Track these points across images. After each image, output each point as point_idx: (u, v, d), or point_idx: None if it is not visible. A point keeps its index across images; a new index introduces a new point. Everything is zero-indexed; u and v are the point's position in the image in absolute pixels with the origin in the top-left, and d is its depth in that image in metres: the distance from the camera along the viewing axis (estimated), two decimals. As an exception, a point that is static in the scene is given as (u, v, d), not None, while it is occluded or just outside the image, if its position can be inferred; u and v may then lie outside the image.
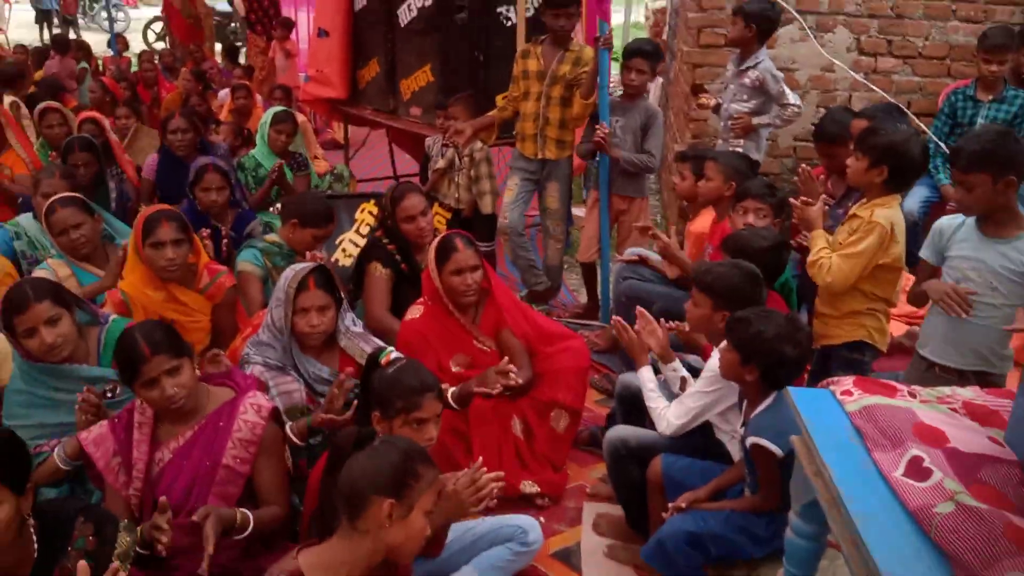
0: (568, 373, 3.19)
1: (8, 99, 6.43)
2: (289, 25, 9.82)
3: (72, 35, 15.45)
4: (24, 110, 6.16)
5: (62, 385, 2.64)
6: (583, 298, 4.91)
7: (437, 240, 3.12)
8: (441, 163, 4.80)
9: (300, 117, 7.49)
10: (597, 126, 4.12)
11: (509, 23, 5.20)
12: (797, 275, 3.41)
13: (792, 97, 4.08)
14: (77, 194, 3.50)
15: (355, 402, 2.55)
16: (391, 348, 2.40)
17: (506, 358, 2.90)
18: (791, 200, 2.98)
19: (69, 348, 2.61)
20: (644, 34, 14.48)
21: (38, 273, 3.38)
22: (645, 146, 4.21)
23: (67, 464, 2.53)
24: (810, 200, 2.92)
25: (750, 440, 2.35)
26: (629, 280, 3.89)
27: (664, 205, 6.64)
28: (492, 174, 4.71)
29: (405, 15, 5.59)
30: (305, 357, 2.88)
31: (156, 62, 9.19)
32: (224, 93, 8.14)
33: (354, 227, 4.61)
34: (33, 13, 15.42)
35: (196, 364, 2.92)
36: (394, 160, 7.02)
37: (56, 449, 2.55)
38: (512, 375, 2.77)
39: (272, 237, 3.77)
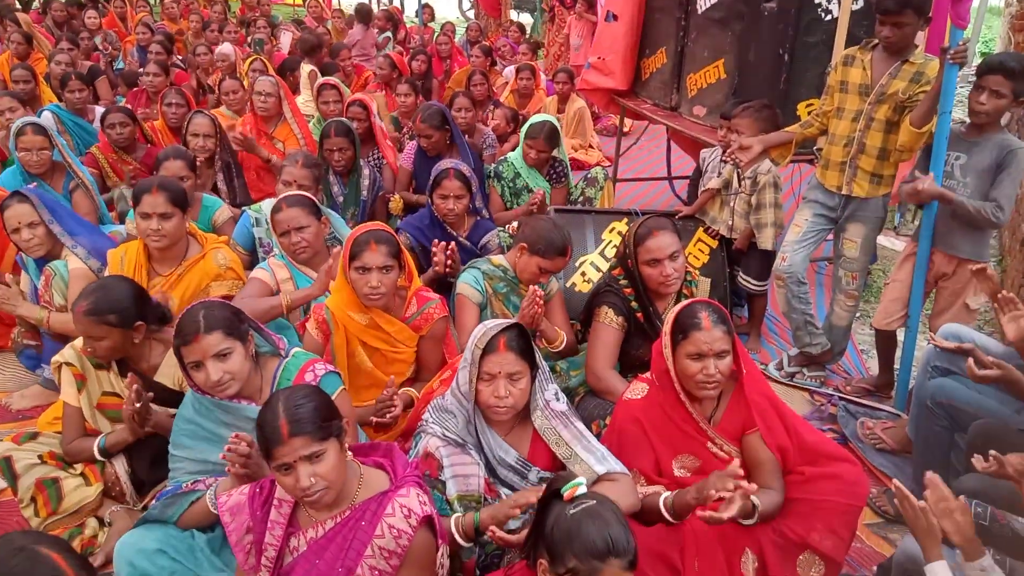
0: (832, 509, 2.35)
1: (307, 68, 6.69)
2: (591, 1, 9.36)
3: (396, 1, 16.46)
4: (321, 79, 6.34)
5: (230, 421, 2.38)
6: (873, 367, 3.91)
7: (678, 309, 2.42)
8: (715, 182, 4.03)
9: (579, 102, 7.09)
10: (927, 174, 3.10)
11: (828, 16, 4.22)
12: None
13: None
14: (307, 194, 3.28)
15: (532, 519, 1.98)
16: (581, 480, 1.79)
17: (736, 461, 2.16)
18: None
19: (237, 386, 2.33)
20: (1001, 24, 12.05)
21: (257, 273, 3.23)
22: (992, 193, 3.11)
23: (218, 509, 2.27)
24: None
25: None
26: (944, 378, 2.89)
27: (1005, 270, 5.25)
28: (778, 202, 3.85)
29: (704, 1, 4.82)
30: (491, 432, 2.37)
31: (455, 34, 9.22)
32: (509, 71, 7.92)
33: (599, 248, 4.02)
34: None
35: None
36: (670, 159, 6.28)
37: (208, 492, 2.29)
38: (742, 484, 2.05)
39: (498, 259, 3.30)
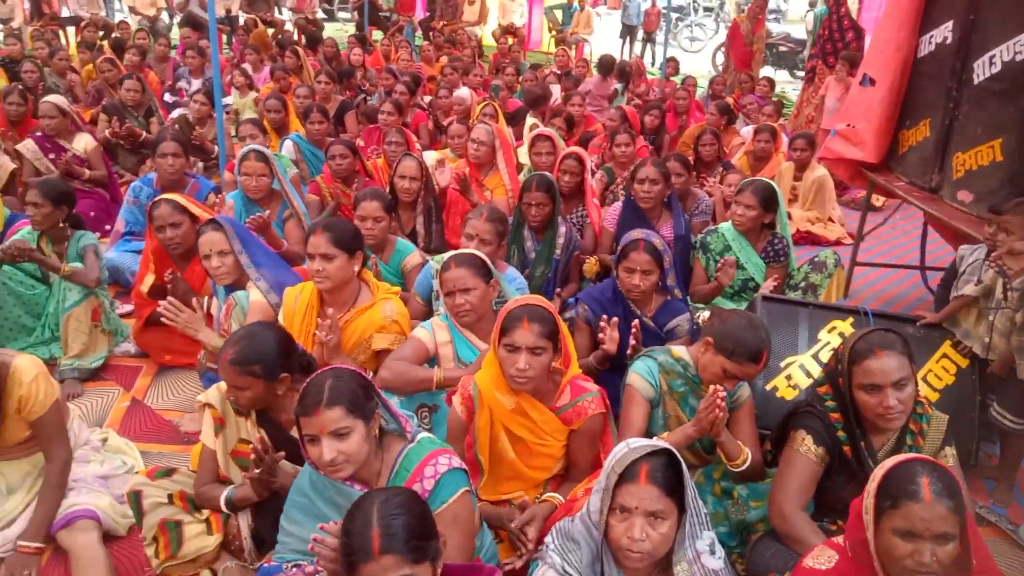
0: None
1: (530, 120, 6.61)
2: (855, 61, 8.55)
3: (648, 54, 16.31)
4: (537, 131, 6.22)
5: (343, 504, 2.14)
6: None
7: (890, 465, 1.84)
8: (972, 288, 3.28)
9: (819, 170, 6.37)
10: None
11: None
12: None
13: None
14: (479, 254, 3.04)
15: None
16: None
17: None
18: None
19: (352, 469, 2.08)
20: None
21: (418, 332, 3.04)
22: None
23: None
24: None
25: None
26: None
27: None
28: (1054, 324, 3.04)
29: (983, 69, 4.03)
30: (620, 578, 1.94)
31: (696, 89, 8.80)
32: (747, 131, 7.36)
33: (813, 349, 3.40)
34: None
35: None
36: (925, 245, 5.38)
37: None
38: None
39: (679, 351, 2.84)
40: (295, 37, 12.33)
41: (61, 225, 3.91)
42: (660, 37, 16.41)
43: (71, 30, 12.77)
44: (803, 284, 4.09)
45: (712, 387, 2.48)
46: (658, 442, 1.93)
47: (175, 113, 7.33)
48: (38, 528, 2.61)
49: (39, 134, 5.54)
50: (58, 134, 5.51)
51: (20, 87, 6.53)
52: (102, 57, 8.14)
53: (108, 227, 5.26)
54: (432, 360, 3.00)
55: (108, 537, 2.71)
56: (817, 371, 3.33)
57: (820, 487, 2.54)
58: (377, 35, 13.90)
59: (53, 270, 3.77)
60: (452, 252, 3.07)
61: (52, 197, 3.82)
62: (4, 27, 11.29)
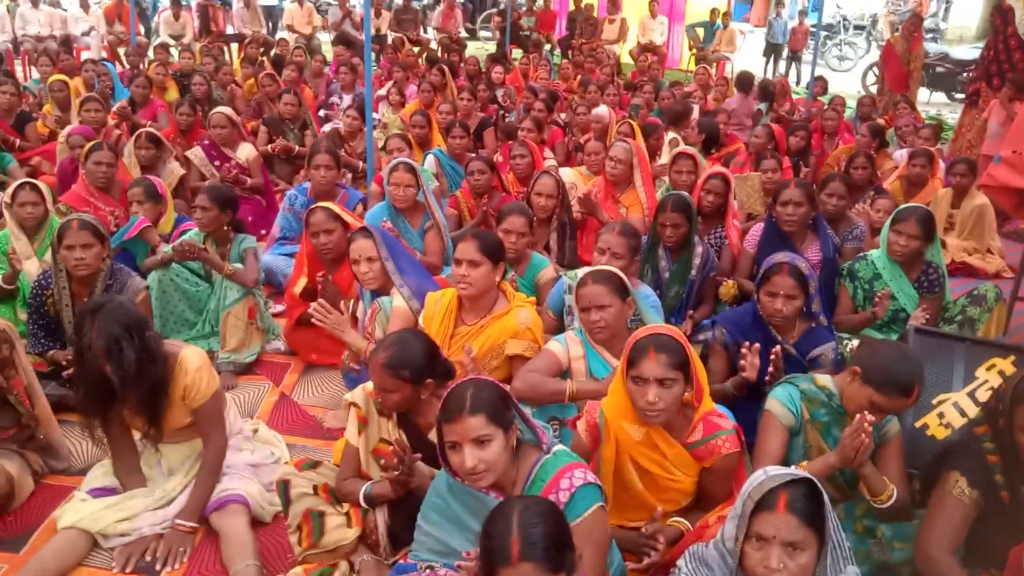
0: None
1: (669, 135, 6.56)
2: (1022, 84, 7.98)
3: (792, 72, 15.80)
4: (679, 148, 6.15)
5: (478, 509, 2.19)
6: None
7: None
8: None
9: (979, 198, 6.00)
10: None
11: None
12: None
13: None
14: (615, 271, 3.05)
15: None
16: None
17: None
18: None
19: (492, 477, 2.12)
20: None
21: (552, 345, 3.08)
22: None
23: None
24: None
25: None
26: None
27: None
28: None
29: None
30: (754, 609, 1.89)
31: (844, 109, 8.45)
32: (900, 154, 7.01)
33: (969, 387, 3.19)
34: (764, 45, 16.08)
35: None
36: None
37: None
38: None
39: (824, 380, 2.75)
40: (439, 55, 12.74)
41: (225, 228, 4.22)
42: (806, 56, 15.86)
43: (235, 47, 13.71)
44: (959, 318, 3.85)
45: (859, 414, 2.38)
46: (797, 471, 1.88)
47: (327, 127, 7.73)
48: (193, 509, 2.82)
49: (206, 142, 5.99)
50: (225, 143, 5.95)
51: (191, 99, 7.10)
52: (263, 72, 8.70)
53: (263, 231, 5.62)
54: (564, 373, 3.02)
55: (255, 522, 2.88)
56: (973, 410, 3.12)
57: (972, 532, 2.39)
58: (516, 53, 14.14)
59: (217, 269, 4.06)
60: (589, 268, 3.10)
61: (219, 201, 4.14)
62: (177, 43, 12.26)
